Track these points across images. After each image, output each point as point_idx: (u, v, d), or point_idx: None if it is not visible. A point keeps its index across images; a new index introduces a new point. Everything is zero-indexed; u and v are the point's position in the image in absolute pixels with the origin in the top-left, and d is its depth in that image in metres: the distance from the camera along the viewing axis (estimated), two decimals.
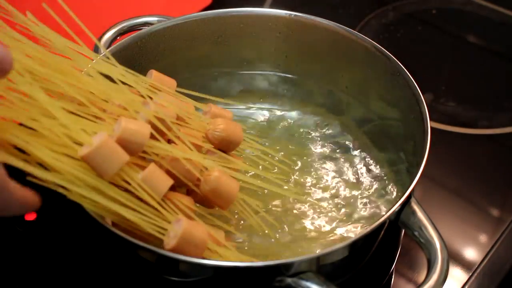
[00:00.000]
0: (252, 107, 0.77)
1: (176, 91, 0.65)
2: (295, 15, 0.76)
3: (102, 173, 0.52)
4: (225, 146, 0.62)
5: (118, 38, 0.73)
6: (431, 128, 0.63)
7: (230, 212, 0.61)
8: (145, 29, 0.74)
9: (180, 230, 0.53)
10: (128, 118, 0.56)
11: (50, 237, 0.71)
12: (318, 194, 0.68)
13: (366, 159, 0.72)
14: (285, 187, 0.67)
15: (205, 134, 0.61)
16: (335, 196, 0.68)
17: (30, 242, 0.71)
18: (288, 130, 0.75)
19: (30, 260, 0.69)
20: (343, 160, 0.72)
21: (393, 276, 0.70)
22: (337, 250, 0.55)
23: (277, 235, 0.64)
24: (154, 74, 0.65)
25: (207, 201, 0.60)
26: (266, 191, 0.66)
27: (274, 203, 0.67)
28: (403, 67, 0.69)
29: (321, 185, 0.69)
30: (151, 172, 0.54)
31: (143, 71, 0.65)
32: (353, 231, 0.65)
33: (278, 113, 0.77)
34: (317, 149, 0.73)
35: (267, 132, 0.75)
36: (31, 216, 0.72)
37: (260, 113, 0.77)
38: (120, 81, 0.59)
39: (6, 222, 0.72)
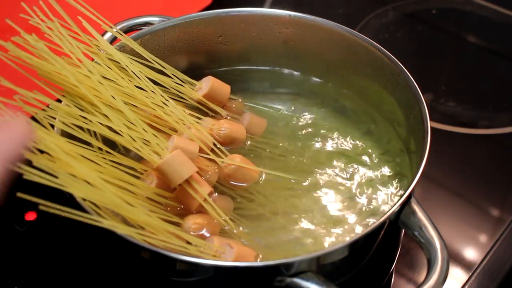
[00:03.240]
0: (252, 106, 0.77)
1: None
2: (295, 15, 0.76)
3: (171, 181, 0.59)
4: (229, 142, 0.69)
5: (118, 38, 0.73)
6: (431, 128, 0.63)
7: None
8: (146, 29, 0.74)
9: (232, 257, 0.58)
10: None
11: (50, 237, 0.71)
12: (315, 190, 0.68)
13: (365, 159, 0.72)
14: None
15: (211, 134, 0.67)
16: (334, 194, 0.68)
17: (30, 242, 0.71)
18: (287, 129, 0.75)
19: (30, 260, 0.69)
20: (341, 159, 0.72)
21: (393, 276, 0.70)
22: (337, 250, 0.55)
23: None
24: (211, 80, 0.71)
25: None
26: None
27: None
28: (403, 67, 0.69)
29: (320, 183, 0.69)
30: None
31: None
32: (352, 231, 0.65)
33: (278, 112, 0.77)
34: (316, 147, 0.73)
35: (266, 130, 0.74)
36: (31, 216, 0.72)
37: (260, 112, 0.76)
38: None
39: (6, 222, 0.72)
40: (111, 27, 0.69)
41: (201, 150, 0.64)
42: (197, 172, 0.61)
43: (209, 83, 0.71)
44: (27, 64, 0.62)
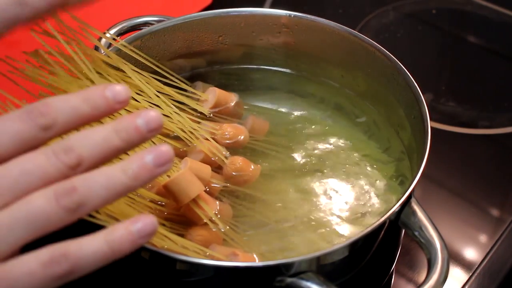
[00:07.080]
0: (252, 106, 0.77)
1: None
2: (295, 15, 0.76)
3: (178, 201, 0.59)
4: (231, 145, 0.69)
5: (118, 38, 0.73)
6: (431, 128, 0.63)
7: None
8: (145, 29, 0.74)
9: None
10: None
11: (50, 237, 0.71)
12: (316, 191, 0.68)
13: (366, 158, 0.72)
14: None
15: (215, 139, 0.67)
16: (334, 195, 0.68)
17: (29, 242, 0.70)
18: (287, 129, 0.75)
19: None
20: (342, 159, 0.72)
21: (393, 276, 0.70)
22: (337, 250, 0.55)
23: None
24: (217, 91, 0.71)
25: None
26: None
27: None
28: (403, 67, 0.69)
29: (320, 184, 0.69)
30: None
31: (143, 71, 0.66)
32: (352, 231, 0.65)
33: (277, 112, 0.77)
34: (316, 148, 0.73)
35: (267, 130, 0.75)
36: None
37: (260, 112, 0.77)
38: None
39: None
40: (116, 40, 0.68)
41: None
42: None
43: (214, 95, 0.71)
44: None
